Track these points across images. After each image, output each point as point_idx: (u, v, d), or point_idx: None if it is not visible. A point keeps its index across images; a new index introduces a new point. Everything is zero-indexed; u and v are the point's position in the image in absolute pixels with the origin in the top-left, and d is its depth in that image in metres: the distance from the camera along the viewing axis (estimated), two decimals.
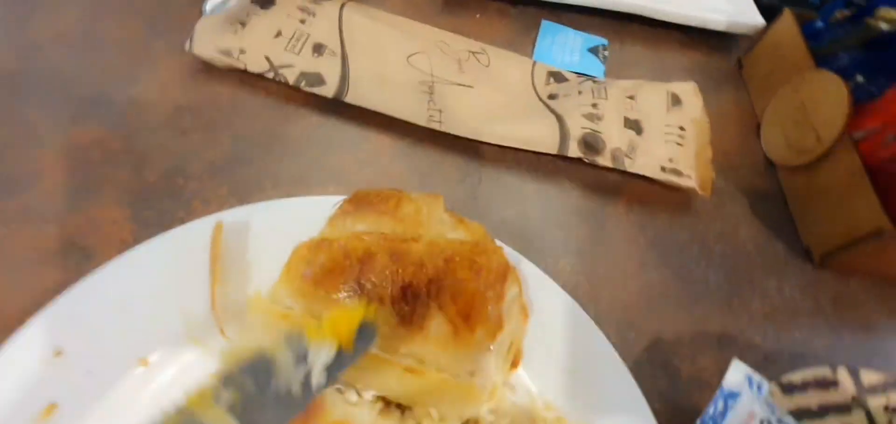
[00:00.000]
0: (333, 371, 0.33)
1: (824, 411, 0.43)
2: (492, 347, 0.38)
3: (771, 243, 0.64)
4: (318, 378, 0.32)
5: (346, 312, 0.34)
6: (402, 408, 0.38)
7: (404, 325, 0.37)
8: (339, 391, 0.38)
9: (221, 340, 0.41)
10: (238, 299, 0.42)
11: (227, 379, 0.30)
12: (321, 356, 0.33)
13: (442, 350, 0.37)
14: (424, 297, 0.38)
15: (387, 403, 0.38)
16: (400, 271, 0.38)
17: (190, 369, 0.40)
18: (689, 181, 0.60)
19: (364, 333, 0.34)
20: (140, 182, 0.52)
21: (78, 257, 0.46)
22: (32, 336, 0.37)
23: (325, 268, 0.38)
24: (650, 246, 0.60)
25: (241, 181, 0.54)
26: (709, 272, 0.60)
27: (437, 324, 0.38)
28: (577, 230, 0.59)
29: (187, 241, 0.42)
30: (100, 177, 0.52)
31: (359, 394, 0.38)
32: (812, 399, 0.43)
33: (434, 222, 0.42)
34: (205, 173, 0.54)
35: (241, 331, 0.40)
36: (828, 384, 0.44)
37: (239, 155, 0.56)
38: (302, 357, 0.32)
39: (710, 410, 0.38)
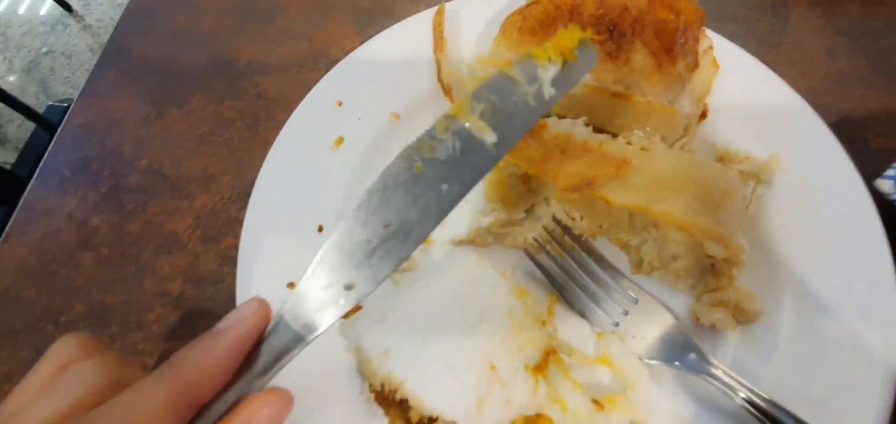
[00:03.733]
0: (561, 84, 0.40)
1: None
2: (689, 83, 0.43)
3: None
4: (548, 90, 0.39)
5: (567, 33, 0.40)
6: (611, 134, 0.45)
7: (612, 60, 0.43)
8: (558, 117, 0.45)
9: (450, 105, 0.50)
10: (457, 72, 0.51)
11: (477, 95, 0.39)
12: (549, 72, 0.40)
13: (646, 80, 0.43)
14: (629, 35, 0.43)
15: (597, 129, 0.44)
16: (606, 14, 0.44)
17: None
18: None
19: (584, 49, 0.40)
20: (358, 8, 0.63)
21: (326, 62, 0.59)
22: (322, 91, 0.49)
23: (539, 20, 0.45)
24: (840, 36, 0.58)
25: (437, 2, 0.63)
26: None
27: (641, 57, 0.43)
28: (756, 24, 0.59)
29: (418, 26, 0.52)
30: (327, 5, 0.64)
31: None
32: None
33: None
34: None
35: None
36: None
37: None
38: (533, 77, 0.40)
39: None
